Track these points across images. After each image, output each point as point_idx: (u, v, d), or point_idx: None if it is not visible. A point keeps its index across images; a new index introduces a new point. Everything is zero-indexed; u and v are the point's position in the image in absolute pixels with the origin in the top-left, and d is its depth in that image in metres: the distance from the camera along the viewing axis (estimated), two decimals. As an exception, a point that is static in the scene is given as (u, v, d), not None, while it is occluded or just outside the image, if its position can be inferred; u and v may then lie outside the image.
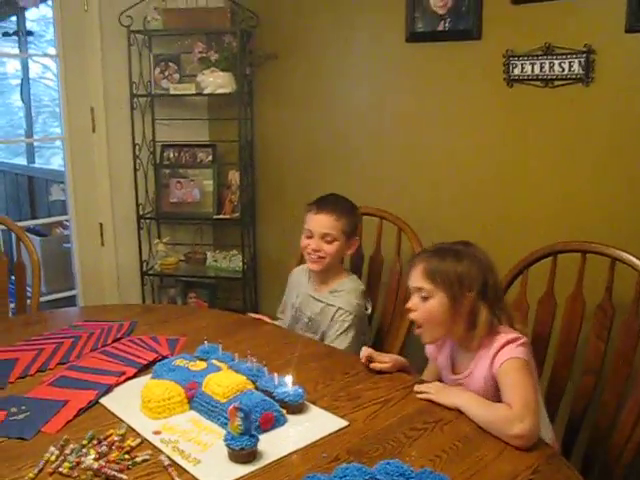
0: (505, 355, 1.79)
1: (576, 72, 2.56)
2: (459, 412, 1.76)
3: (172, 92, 3.80)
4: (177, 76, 3.87)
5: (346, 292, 2.54)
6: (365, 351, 2.07)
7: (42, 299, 3.47)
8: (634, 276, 2.02)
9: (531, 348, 1.86)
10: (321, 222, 2.50)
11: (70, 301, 4.01)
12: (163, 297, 4.10)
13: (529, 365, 1.80)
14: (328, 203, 2.54)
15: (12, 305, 3.03)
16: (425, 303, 1.88)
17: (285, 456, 1.57)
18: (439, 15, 2.93)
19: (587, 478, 1.88)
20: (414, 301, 1.91)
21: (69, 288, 4.05)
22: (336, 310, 2.50)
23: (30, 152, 5.92)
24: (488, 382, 1.83)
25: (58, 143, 3.85)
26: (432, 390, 1.88)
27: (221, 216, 3.90)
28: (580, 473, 1.54)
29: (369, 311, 2.60)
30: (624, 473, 1.90)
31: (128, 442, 1.61)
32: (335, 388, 1.93)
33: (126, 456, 1.55)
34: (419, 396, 1.87)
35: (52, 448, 1.58)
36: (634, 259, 2.05)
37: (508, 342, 1.80)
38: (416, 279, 1.91)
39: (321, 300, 2.56)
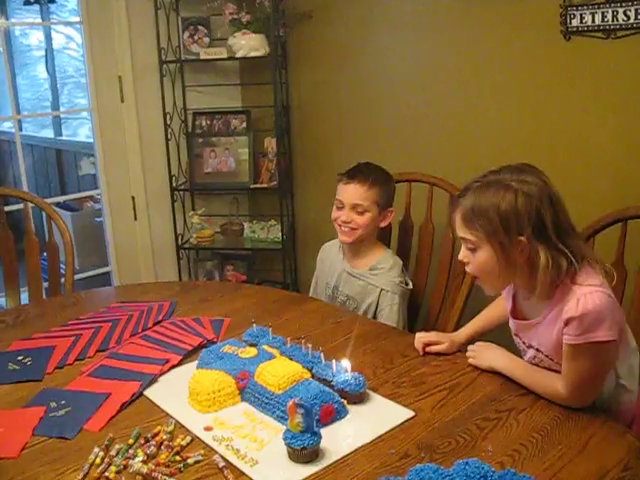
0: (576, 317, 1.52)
1: (643, 20, 2.36)
2: (533, 399, 1.63)
3: (202, 57, 3.66)
4: (207, 40, 3.74)
5: (387, 270, 2.44)
6: (421, 338, 1.93)
7: (76, 277, 3.39)
8: None
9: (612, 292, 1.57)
10: (352, 192, 2.40)
11: (104, 278, 3.94)
12: (200, 271, 4.02)
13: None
14: (359, 172, 2.43)
15: (45, 284, 2.93)
16: (475, 255, 1.65)
17: (350, 454, 1.45)
18: (489, -35, 2.74)
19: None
20: (464, 253, 1.68)
21: (103, 264, 3.98)
22: (380, 292, 2.41)
23: (57, 124, 5.83)
24: (560, 341, 1.60)
25: (84, 114, 3.72)
26: (473, 351, 1.80)
27: (258, 185, 3.79)
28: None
29: (410, 286, 2.48)
30: None
31: (178, 441, 1.48)
32: (396, 373, 1.80)
33: (177, 457, 1.42)
34: (470, 361, 1.80)
35: (96, 449, 1.46)
36: None
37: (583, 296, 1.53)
38: (458, 227, 1.67)
39: (361, 278, 2.46)
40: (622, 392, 1.64)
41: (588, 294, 1.51)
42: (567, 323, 1.53)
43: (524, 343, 1.73)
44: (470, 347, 1.84)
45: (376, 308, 2.41)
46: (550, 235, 1.54)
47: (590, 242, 2.12)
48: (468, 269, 1.71)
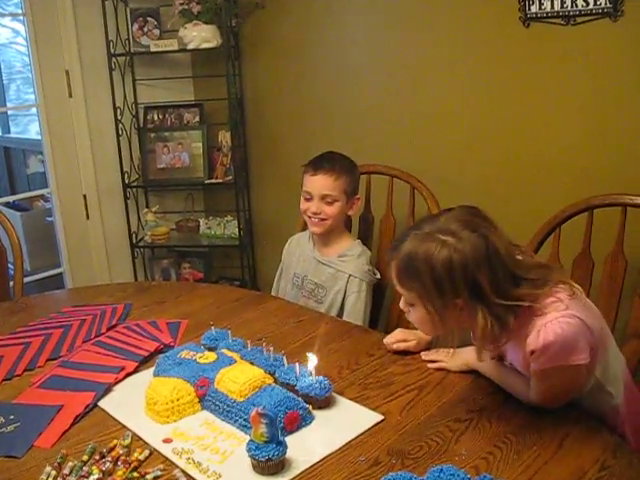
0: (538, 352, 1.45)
1: (602, 6, 2.34)
2: (504, 398, 1.59)
3: (153, 49, 3.58)
4: (157, 32, 3.66)
5: (355, 257, 2.42)
6: (398, 334, 1.87)
7: (27, 279, 3.30)
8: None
9: (580, 310, 1.47)
10: (319, 183, 2.37)
11: (57, 279, 3.84)
12: (155, 269, 3.94)
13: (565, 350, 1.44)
14: (325, 162, 2.40)
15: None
16: (412, 309, 1.56)
17: (317, 463, 1.38)
18: (443, -50, 2.68)
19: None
20: (402, 303, 1.59)
21: (55, 265, 3.86)
22: (348, 278, 2.39)
23: (4, 121, 5.68)
24: (528, 362, 1.52)
25: (34, 110, 3.61)
26: (442, 357, 1.74)
27: (213, 180, 3.72)
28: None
29: (378, 276, 2.46)
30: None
31: (135, 455, 1.41)
32: (362, 373, 1.74)
33: (134, 474, 1.35)
34: (430, 365, 1.74)
35: (48, 468, 1.38)
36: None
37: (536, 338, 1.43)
38: (394, 281, 1.57)
39: (330, 265, 2.44)
40: (607, 398, 1.59)
41: (549, 323, 1.42)
42: (532, 353, 1.46)
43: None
44: (430, 355, 1.79)
45: (344, 295, 2.39)
46: (489, 296, 1.43)
47: (556, 233, 2.09)
48: (408, 317, 1.62)
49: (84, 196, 3.74)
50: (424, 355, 1.79)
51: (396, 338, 1.85)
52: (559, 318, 1.42)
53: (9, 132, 5.70)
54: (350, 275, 2.38)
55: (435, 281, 1.43)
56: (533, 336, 1.43)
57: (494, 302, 1.42)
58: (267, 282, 2.56)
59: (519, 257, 1.53)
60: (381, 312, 2.55)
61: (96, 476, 1.33)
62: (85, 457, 1.40)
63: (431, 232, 1.47)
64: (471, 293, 1.42)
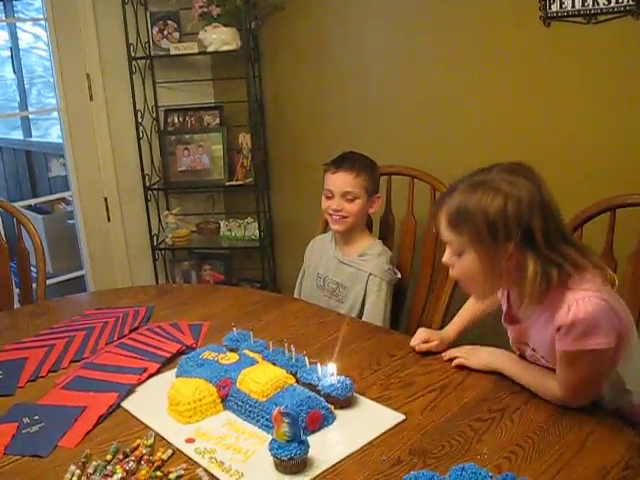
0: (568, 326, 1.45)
1: (624, 3, 2.30)
2: (526, 397, 1.58)
3: (173, 52, 3.59)
4: (177, 35, 3.67)
5: (375, 256, 2.44)
6: (421, 334, 1.87)
7: (49, 282, 3.33)
8: None
9: (610, 297, 1.48)
10: (340, 180, 2.41)
11: (79, 282, 3.86)
12: (176, 271, 3.95)
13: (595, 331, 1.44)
14: (345, 160, 2.45)
15: (17, 290, 2.85)
16: (459, 259, 1.56)
17: (339, 462, 1.39)
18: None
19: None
20: (448, 255, 1.60)
21: (77, 268, 3.90)
22: (368, 277, 2.41)
23: (26, 125, 5.73)
24: (553, 344, 1.52)
25: (55, 114, 3.64)
26: (462, 353, 1.74)
27: (233, 182, 3.72)
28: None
29: (399, 276, 2.47)
30: None
31: (158, 454, 1.42)
32: (384, 374, 1.74)
33: (158, 473, 1.35)
34: (452, 362, 1.74)
35: (73, 467, 1.39)
36: None
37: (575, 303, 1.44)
38: (442, 229, 1.58)
39: (351, 264, 2.46)
40: (628, 397, 1.58)
41: (580, 300, 1.43)
42: (558, 329, 1.46)
43: (521, 342, 1.67)
44: (453, 351, 1.79)
45: (364, 294, 2.41)
46: (539, 243, 1.45)
47: (578, 233, 2.08)
48: (452, 272, 1.62)
49: (105, 199, 3.76)
50: (445, 355, 1.79)
51: (420, 338, 1.85)
52: (591, 297, 1.43)
53: (31, 136, 5.74)
54: (370, 274, 2.40)
55: (489, 223, 1.45)
56: (563, 311, 1.44)
57: (543, 252, 1.45)
58: (288, 284, 2.58)
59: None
60: (402, 313, 2.55)
61: (120, 475, 1.34)
62: (109, 457, 1.42)
63: (484, 181, 1.50)
64: (523, 238, 1.45)
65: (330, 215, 2.43)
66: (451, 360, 1.76)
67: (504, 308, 1.70)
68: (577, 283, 1.46)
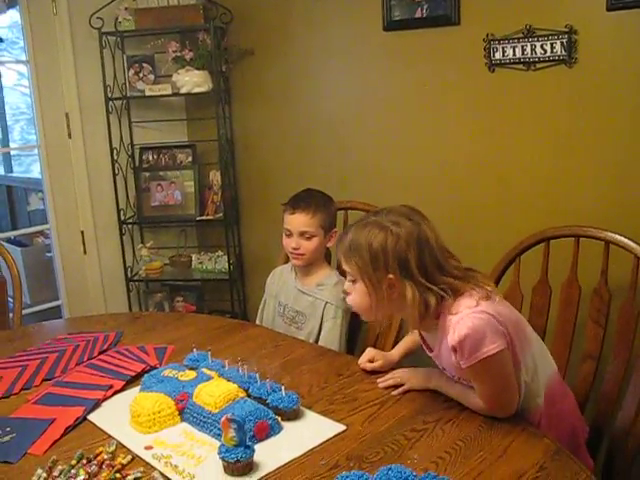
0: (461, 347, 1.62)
1: (559, 53, 2.53)
2: (458, 410, 1.73)
3: (148, 93, 3.73)
4: (152, 77, 3.80)
5: (332, 285, 2.53)
6: (368, 354, 2.02)
7: (26, 311, 3.43)
8: (629, 259, 1.99)
9: (489, 308, 1.65)
10: (298, 221, 2.50)
11: (55, 312, 3.94)
12: (150, 302, 4.04)
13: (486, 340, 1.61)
14: (302, 201, 2.54)
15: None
16: (353, 287, 1.76)
17: (282, 466, 1.52)
18: (416, 2, 2.88)
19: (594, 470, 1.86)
20: (347, 284, 1.80)
21: (54, 298, 3.98)
22: (325, 305, 2.51)
23: (7, 161, 5.84)
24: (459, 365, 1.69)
25: (36, 151, 3.78)
26: (401, 380, 1.86)
27: (204, 217, 3.84)
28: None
29: None
30: (630, 457, 1.85)
31: (119, 459, 1.55)
32: (330, 391, 1.88)
33: (117, 475, 1.48)
34: (394, 392, 1.84)
35: (39, 470, 1.51)
36: (628, 242, 2.01)
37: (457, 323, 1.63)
38: (341, 261, 1.80)
39: (309, 294, 2.56)
40: (529, 397, 1.74)
41: (461, 320, 1.62)
42: (455, 351, 1.65)
43: (440, 367, 1.83)
44: (388, 378, 1.90)
45: (321, 321, 2.51)
46: (416, 274, 1.65)
47: (516, 263, 2.24)
48: (348, 299, 1.82)
49: (82, 232, 3.86)
50: (380, 382, 1.90)
51: (366, 357, 2.01)
52: (470, 314, 1.62)
53: (12, 171, 5.84)
54: (327, 302, 2.50)
55: (371, 256, 1.66)
56: (451, 334, 1.63)
57: (420, 281, 1.64)
58: (257, 314, 2.72)
59: (450, 260, 1.73)
60: (358, 339, 2.68)
61: (82, 477, 1.46)
62: (73, 462, 1.54)
63: (373, 221, 1.71)
64: (401, 269, 1.65)
65: (290, 252, 2.54)
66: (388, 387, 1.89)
67: (420, 339, 1.88)
68: (456, 307, 1.65)
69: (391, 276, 1.67)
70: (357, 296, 1.76)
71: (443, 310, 1.68)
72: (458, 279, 1.69)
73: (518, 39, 2.61)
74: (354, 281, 1.75)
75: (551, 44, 2.52)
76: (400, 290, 1.67)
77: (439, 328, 1.70)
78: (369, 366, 1.98)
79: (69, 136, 3.76)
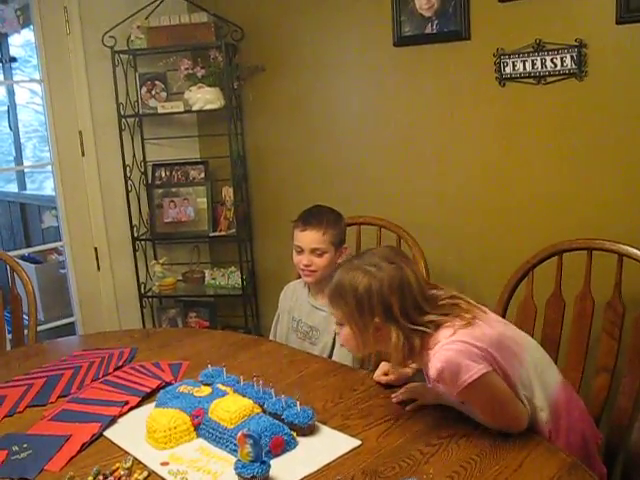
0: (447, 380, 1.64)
1: (569, 67, 2.53)
2: (473, 425, 1.72)
3: (160, 111, 3.76)
4: (164, 94, 3.83)
5: None
6: (382, 368, 2.03)
7: (41, 328, 3.45)
8: (643, 271, 1.99)
9: (465, 335, 1.66)
10: (309, 238, 2.51)
11: (69, 328, 3.96)
12: (163, 318, 4.05)
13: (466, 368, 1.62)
14: (313, 218, 2.54)
15: (10, 336, 2.98)
16: (341, 328, 1.80)
17: (298, 481, 1.53)
18: (426, 17, 2.89)
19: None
20: (335, 326, 1.86)
21: (68, 315, 4.01)
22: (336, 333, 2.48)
23: (21, 179, 5.87)
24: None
25: (49, 168, 3.81)
26: (414, 395, 1.87)
27: (217, 233, 3.86)
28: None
29: None
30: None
31: (135, 476, 1.56)
32: (345, 406, 1.89)
33: (133, 490, 1.50)
34: (408, 408, 1.84)
35: (57, 487, 1.53)
36: (641, 254, 2.01)
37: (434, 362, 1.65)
38: (328, 303, 1.84)
39: (322, 309, 2.55)
40: (539, 413, 1.74)
41: (436, 355, 1.64)
42: (438, 382, 1.67)
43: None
44: (402, 393, 1.91)
45: (335, 336, 2.49)
46: (399, 318, 1.68)
47: (529, 276, 2.24)
48: (338, 340, 1.88)
49: (95, 249, 3.89)
50: (394, 397, 1.90)
51: (381, 371, 2.02)
52: (443, 346, 1.64)
53: (25, 189, 5.88)
54: None
55: (357, 302, 1.69)
56: (430, 369, 1.65)
57: (403, 324, 1.66)
58: (270, 330, 2.73)
59: (433, 292, 1.77)
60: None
61: (99, 492, 1.49)
62: (90, 478, 1.56)
63: (357, 265, 1.74)
64: (385, 314, 1.67)
65: (301, 270, 2.55)
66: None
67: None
68: (433, 341, 1.67)
69: (377, 320, 1.70)
70: (345, 338, 1.79)
71: (426, 347, 1.70)
72: (440, 315, 1.72)
73: (528, 53, 2.62)
74: (341, 324, 1.78)
75: (561, 58, 2.53)
76: (386, 332, 1.70)
77: (425, 363, 1.72)
78: (384, 379, 1.99)
79: (82, 154, 3.79)
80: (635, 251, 2.03)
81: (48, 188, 5.55)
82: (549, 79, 2.61)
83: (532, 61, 2.61)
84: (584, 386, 2.11)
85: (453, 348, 1.63)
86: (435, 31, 2.89)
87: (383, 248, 1.83)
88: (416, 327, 1.68)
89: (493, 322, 1.77)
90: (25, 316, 2.87)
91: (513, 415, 1.68)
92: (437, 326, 1.70)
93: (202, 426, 1.73)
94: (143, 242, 3.96)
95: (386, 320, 1.69)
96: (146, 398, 1.98)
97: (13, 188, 6.02)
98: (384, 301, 1.68)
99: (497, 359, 1.67)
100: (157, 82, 3.83)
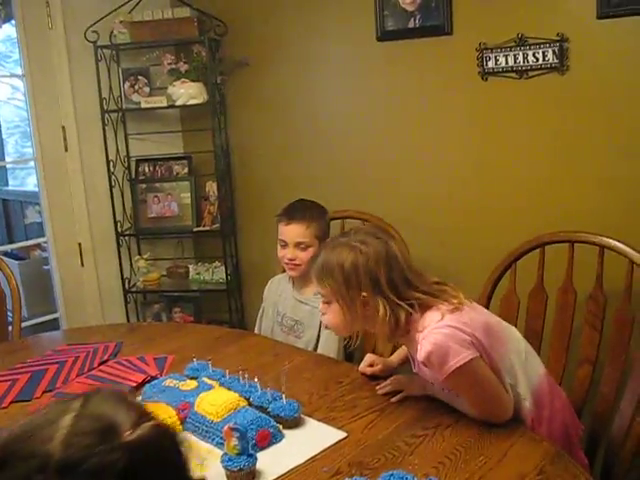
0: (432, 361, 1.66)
1: (550, 61, 2.56)
2: (457, 416, 1.74)
3: (143, 106, 3.74)
4: (147, 89, 3.81)
5: None
6: (367, 359, 2.05)
7: (25, 324, 3.43)
8: (624, 264, 2.01)
9: (454, 320, 1.68)
10: (293, 232, 2.53)
11: (53, 324, 3.93)
12: (147, 314, 4.04)
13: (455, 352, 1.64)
14: (296, 212, 2.57)
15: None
16: (329, 307, 1.82)
17: (285, 473, 1.55)
18: (409, 12, 2.91)
19: (590, 470, 1.88)
20: (322, 305, 1.86)
21: (52, 311, 3.98)
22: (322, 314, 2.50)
23: (3, 175, 5.84)
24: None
25: (31, 164, 3.79)
26: (400, 386, 1.89)
27: (201, 228, 3.85)
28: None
29: None
30: (627, 460, 1.87)
31: (120, 470, 1.56)
32: (330, 398, 1.90)
33: (120, 485, 1.50)
34: (394, 399, 1.86)
35: None
36: (623, 246, 2.05)
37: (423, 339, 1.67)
38: (315, 283, 1.86)
39: (307, 303, 2.58)
40: (516, 400, 1.76)
41: (425, 338, 1.66)
42: (425, 366, 1.70)
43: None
44: (387, 385, 1.92)
45: (319, 330, 2.52)
46: (386, 290, 1.70)
47: (512, 269, 2.27)
48: (323, 319, 1.89)
49: (79, 244, 3.85)
50: (379, 389, 1.92)
51: (366, 362, 2.04)
52: (433, 330, 1.66)
53: (7, 185, 5.86)
54: None
55: (344, 277, 1.71)
56: (419, 351, 1.67)
57: (390, 297, 1.69)
58: (255, 324, 2.74)
59: (418, 275, 1.78)
60: (357, 347, 2.70)
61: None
62: (77, 472, 1.56)
63: (343, 242, 1.77)
64: (373, 287, 1.70)
65: (286, 263, 2.56)
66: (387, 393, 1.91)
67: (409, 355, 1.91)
68: (422, 323, 1.70)
69: (364, 294, 1.72)
70: (332, 316, 1.81)
71: (412, 326, 1.72)
72: (426, 294, 1.74)
73: (510, 48, 2.64)
74: (329, 302, 1.80)
75: (543, 52, 2.55)
76: (373, 306, 1.72)
77: (412, 346, 1.75)
78: (369, 370, 2.01)
79: (65, 149, 3.75)
80: (616, 243, 2.06)
81: (31, 184, 5.52)
82: (531, 73, 2.63)
83: (514, 55, 2.64)
84: (567, 377, 2.13)
85: (443, 332, 1.65)
86: (418, 25, 2.90)
87: (368, 226, 1.84)
88: (402, 302, 1.70)
89: (479, 309, 1.81)
90: (9, 313, 2.87)
91: (498, 403, 1.70)
92: (424, 307, 1.72)
93: (188, 420, 1.74)
94: (127, 237, 3.93)
95: (374, 293, 1.71)
96: (132, 392, 1.97)
97: (-6, 184, 5.99)
98: (371, 274, 1.71)
99: (484, 345, 1.69)
100: (140, 77, 3.81)
